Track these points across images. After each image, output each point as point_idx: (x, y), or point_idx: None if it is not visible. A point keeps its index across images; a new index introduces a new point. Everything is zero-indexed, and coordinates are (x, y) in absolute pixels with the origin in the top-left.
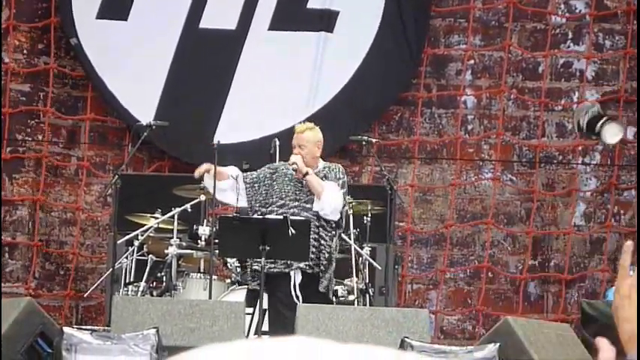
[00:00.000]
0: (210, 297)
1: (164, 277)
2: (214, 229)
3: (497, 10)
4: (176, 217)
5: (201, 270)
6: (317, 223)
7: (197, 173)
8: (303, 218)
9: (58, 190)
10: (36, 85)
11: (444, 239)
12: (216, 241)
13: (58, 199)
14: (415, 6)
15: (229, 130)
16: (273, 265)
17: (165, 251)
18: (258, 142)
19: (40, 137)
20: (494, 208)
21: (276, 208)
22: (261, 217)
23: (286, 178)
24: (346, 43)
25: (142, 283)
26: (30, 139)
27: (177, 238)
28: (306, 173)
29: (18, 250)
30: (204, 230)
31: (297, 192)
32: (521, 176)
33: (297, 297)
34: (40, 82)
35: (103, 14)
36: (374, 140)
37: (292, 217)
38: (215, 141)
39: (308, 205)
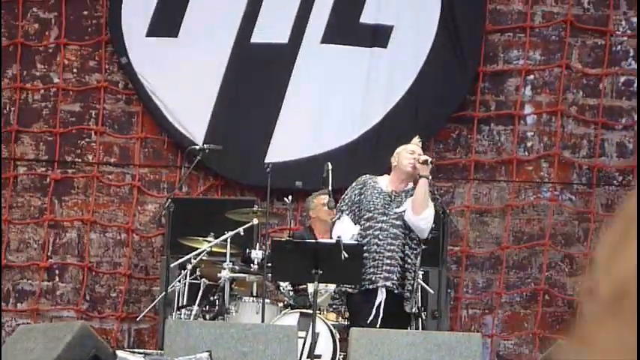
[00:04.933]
0: (262, 320)
1: (217, 301)
2: (267, 252)
3: (557, 25)
4: (229, 240)
5: (254, 293)
6: (403, 241)
7: None
8: (354, 244)
9: (112, 210)
10: (87, 104)
11: (499, 262)
12: (269, 264)
13: (112, 220)
14: (470, 21)
15: (281, 148)
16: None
17: (218, 275)
18: (312, 160)
19: (91, 157)
20: (551, 228)
21: (363, 222)
22: (314, 240)
23: (375, 191)
24: (400, 58)
25: (195, 307)
26: (80, 160)
27: (230, 261)
28: (427, 176)
29: (68, 273)
30: (256, 254)
31: (386, 205)
32: (580, 196)
33: (377, 316)
34: (91, 100)
35: (153, 31)
36: (430, 160)
37: (380, 232)
38: (267, 160)
39: (398, 222)
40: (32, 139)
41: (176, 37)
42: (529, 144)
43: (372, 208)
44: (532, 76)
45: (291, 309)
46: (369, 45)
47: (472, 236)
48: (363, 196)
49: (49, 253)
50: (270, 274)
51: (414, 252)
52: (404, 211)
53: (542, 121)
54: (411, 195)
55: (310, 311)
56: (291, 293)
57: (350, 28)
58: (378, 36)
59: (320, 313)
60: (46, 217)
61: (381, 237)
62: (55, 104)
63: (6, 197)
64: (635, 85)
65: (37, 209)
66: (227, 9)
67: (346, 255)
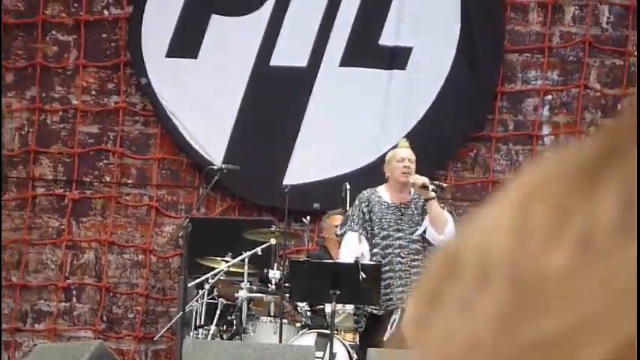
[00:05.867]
0: (280, 340)
1: (234, 321)
2: (285, 272)
3: (575, 45)
4: (247, 260)
5: (272, 313)
6: (425, 255)
7: None
8: (372, 264)
9: (130, 232)
10: (105, 126)
11: None
12: (287, 284)
13: (129, 241)
14: (489, 42)
15: (299, 170)
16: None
17: (236, 295)
18: (330, 182)
19: (109, 178)
20: None
21: (379, 241)
22: (332, 261)
23: (382, 207)
24: (418, 79)
25: (213, 327)
26: (98, 181)
27: (247, 281)
28: (433, 197)
29: (85, 294)
30: (274, 274)
31: (399, 221)
32: None
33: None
34: (109, 121)
35: (172, 52)
36: (445, 185)
37: (401, 250)
38: (285, 182)
39: (416, 237)
40: (50, 160)
41: (196, 58)
42: None
43: (386, 226)
44: (550, 97)
45: (309, 329)
46: (387, 67)
47: None
48: (372, 213)
49: (66, 274)
50: (287, 294)
51: None
52: (424, 232)
53: (560, 142)
54: (420, 204)
55: (328, 331)
56: (309, 313)
57: (369, 50)
58: (397, 58)
59: (337, 334)
60: (64, 238)
61: (402, 254)
62: (74, 126)
63: (25, 218)
64: None
65: (55, 230)
66: (247, 31)
67: (364, 275)
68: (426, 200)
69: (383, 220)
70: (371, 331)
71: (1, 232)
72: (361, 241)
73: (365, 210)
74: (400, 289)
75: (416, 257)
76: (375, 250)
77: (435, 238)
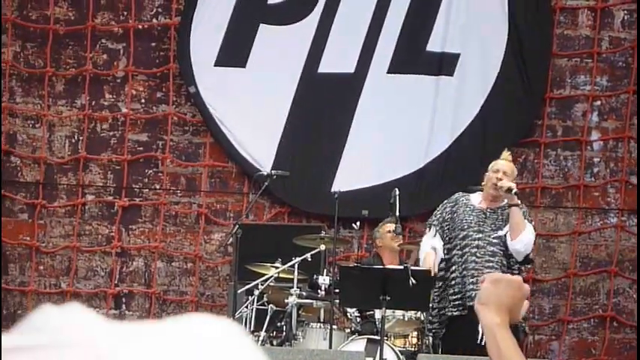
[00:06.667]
0: (330, 347)
1: (284, 327)
2: (334, 278)
3: (624, 50)
4: (296, 266)
5: (321, 319)
6: (502, 259)
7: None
8: (422, 269)
9: (178, 240)
10: (154, 134)
11: (566, 288)
12: (337, 290)
13: (178, 249)
14: (537, 46)
15: (348, 177)
16: (462, 306)
17: (286, 301)
18: (378, 189)
19: (158, 186)
20: (619, 254)
21: (458, 242)
22: (381, 267)
23: (467, 209)
24: (466, 86)
25: (262, 333)
26: (147, 189)
27: (297, 287)
28: (517, 204)
29: (135, 301)
30: (324, 280)
31: (481, 223)
32: None
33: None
34: (158, 130)
35: (221, 61)
36: None
37: (477, 250)
38: (334, 189)
39: (495, 240)
40: (100, 167)
41: (244, 67)
42: (595, 170)
43: (466, 227)
44: (599, 102)
45: (359, 335)
46: (435, 73)
47: (538, 262)
48: (455, 214)
49: (116, 281)
50: (337, 300)
51: (514, 273)
52: (505, 235)
53: (608, 147)
54: (507, 213)
55: (377, 337)
56: (358, 319)
57: (417, 56)
58: (445, 64)
59: (387, 339)
60: (114, 245)
61: (478, 254)
62: (123, 133)
63: (74, 225)
64: None
65: (105, 237)
66: (295, 40)
67: (414, 281)
68: (510, 206)
69: (464, 222)
70: (455, 333)
71: (0, 233)
72: (436, 236)
73: (448, 210)
74: (471, 286)
75: (491, 259)
76: (454, 252)
77: (508, 243)
